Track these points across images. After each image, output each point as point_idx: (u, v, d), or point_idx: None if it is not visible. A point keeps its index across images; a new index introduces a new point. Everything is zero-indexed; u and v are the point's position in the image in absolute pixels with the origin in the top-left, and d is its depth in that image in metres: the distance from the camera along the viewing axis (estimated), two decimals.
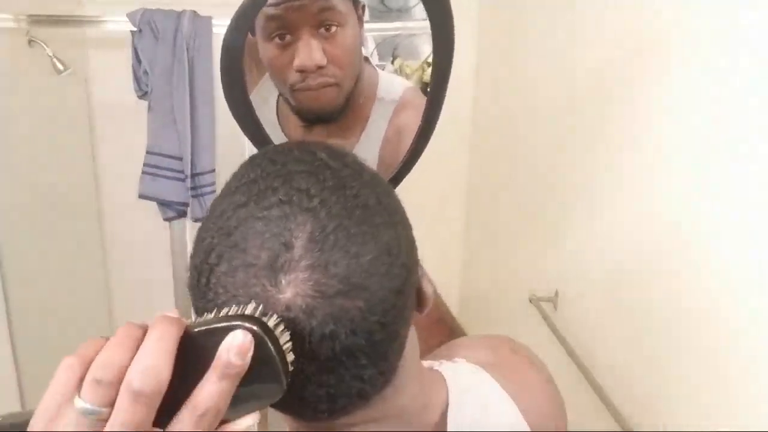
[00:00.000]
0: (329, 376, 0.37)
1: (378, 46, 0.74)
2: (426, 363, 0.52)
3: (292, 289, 0.35)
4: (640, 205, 0.96)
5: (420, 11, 0.72)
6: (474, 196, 1.94)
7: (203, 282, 0.37)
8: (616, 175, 1.04)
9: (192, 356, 0.32)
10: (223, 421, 0.33)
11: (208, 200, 1.51)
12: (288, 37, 0.68)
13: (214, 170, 1.52)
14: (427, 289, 0.45)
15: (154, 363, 0.31)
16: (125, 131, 1.64)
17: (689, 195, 0.84)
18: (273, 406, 0.39)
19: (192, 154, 1.47)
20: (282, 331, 0.34)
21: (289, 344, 0.34)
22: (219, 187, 1.65)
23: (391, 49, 0.76)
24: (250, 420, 0.34)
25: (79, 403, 0.31)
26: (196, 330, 0.33)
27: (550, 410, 0.54)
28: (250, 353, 0.32)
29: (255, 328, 0.32)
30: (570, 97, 1.22)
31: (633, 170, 0.98)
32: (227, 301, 0.36)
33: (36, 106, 1.58)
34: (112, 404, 0.31)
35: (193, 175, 1.48)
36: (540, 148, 1.38)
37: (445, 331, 0.70)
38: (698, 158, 0.82)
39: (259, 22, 0.68)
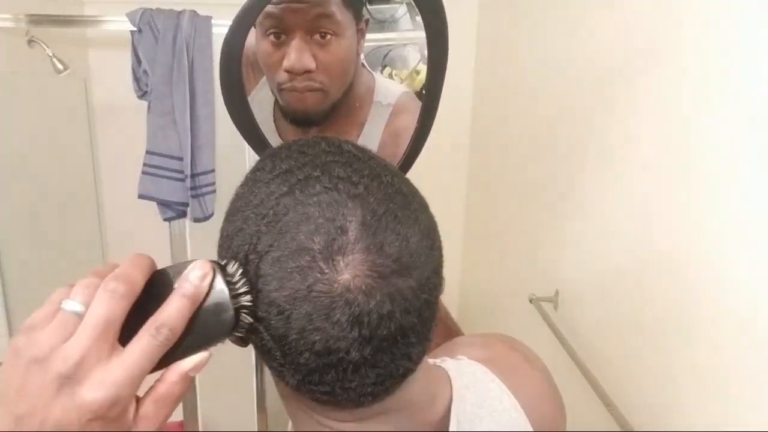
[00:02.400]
0: (383, 356, 0.38)
1: (367, 56, 0.76)
2: (428, 361, 0.53)
3: (351, 270, 0.36)
4: (640, 205, 0.96)
5: (406, 22, 0.74)
6: (474, 196, 1.94)
7: (250, 271, 0.38)
8: (616, 175, 1.04)
9: (157, 290, 0.36)
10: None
11: (208, 200, 1.51)
12: (283, 37, 0.69)
13: (213, 170, 1.52)
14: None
15: (128, 271, 0.36)
16: (125, 131, 1.64)
17: (690, 195, 0.84)
18: (312, 393, 0.40)
19: (192, 154, 1.47)
20: (240, 280, 0.37)
21: (246, 291, 0.37)
22: (219, 187, 1.65)
23: (380, 59, 0.78)
24: (199, 357, 0.37)
25: (67, 303, 0.35)
26: (165, 268, 0.38)
27: (549, 406, 0.55)
28: (209, 279, 0.36)
29: (215, 261, 0.37)
30: (570, 97, 1.22)
31: (633, 170, 0.98)
32: (280, 287, 0.37)
33: (36, 106, 1.57)
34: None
35: (193, 175, 1.48)
36: (540, 148, 1.38)
37: (444, 332, 0.71)
38: (699, 158, 0.82)
39: (259, 18, 0.69)
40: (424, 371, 0.47)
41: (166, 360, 0.36)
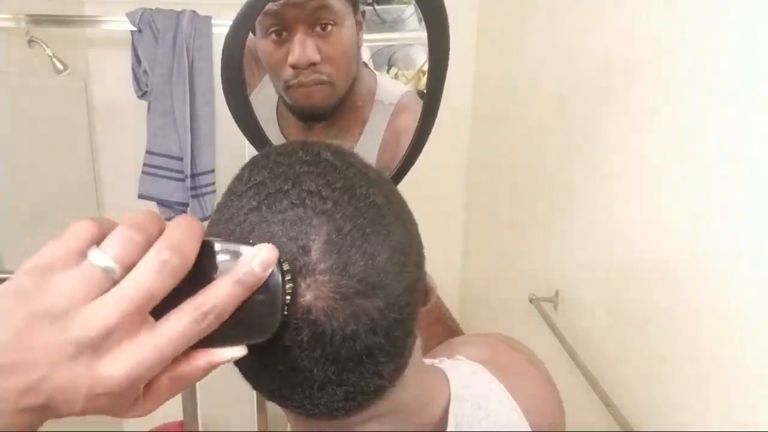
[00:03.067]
0: (350, 376, 0.37)
1: (374, 56, 0.76)
2: (427, 361, 0.53)
3: (312, 292, 0.35)
4: (640, 205, 0.96)
5: (413, 22, 0.73)
6: (474, 196, 1.94)
7: None
8: (616, 175, 1.04)
9: (200, 264, 0.32)
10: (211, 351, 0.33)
11: (208, 200, 1.51)
12: (284, 34, 0.69)
13: (213, 170, 1.52)
14: (430, 282, 0.45)
15: (184, 241, 0.31)
16: (125, 131, 1.64)
17: (690, 195, 0.84)
18: (285, 405, 0.40)
19: (192, 154, 1.47)
20: (288, 278, 0.34)
21: (291, 291, 0.34)
22: (219, 187, 1.65)
23: (386, 59, 0.78)
24: (237, 352, 0.34)
25: (97, 255, 0.30)
26: (213, 241, 0.33)
27: (548, 406, 0.55)
28: (270, 269, 0.32)
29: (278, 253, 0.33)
30: (570, 96, 1.22)
31: (634, 170, 0.98)
32: None
33: (36, 106, 1.57)
34: (130, 267, 0.30)
35: (193, 175, 1.48)
36: (540, 147, 1.38)
37: (443, 331, 0.71)
38: (700, 158, 0.82)
39: (259, 18, 0.69)
40: (420, 373, 0.47)
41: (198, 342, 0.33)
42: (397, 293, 0.37)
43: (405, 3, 0.74)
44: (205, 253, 0.33)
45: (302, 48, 0.68)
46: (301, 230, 0.35)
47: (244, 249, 0.33)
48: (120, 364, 0.30)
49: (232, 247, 0.33)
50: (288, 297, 0.34)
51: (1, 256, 1.44)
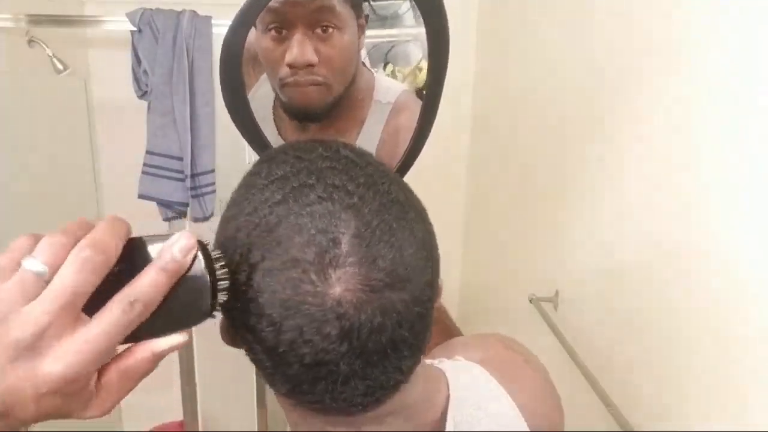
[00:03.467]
0: (374, 370, 0.37)
1: (369, 52, 0.76)
2: (426, 361, 0.53)
3: (342, 284, 0.35)
4: (640, 205, 0.96)
5: (410, 18, 0.73)
6: (474, 196, 1.94)
7: (241, 280, 0.37)
8: (616, 175, 1.04)
9: (130, 259, 0.34)
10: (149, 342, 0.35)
11: (208, 200, 1.51)
12: (284, 32, 0.69)
13: (213, 170, 1.52)
14: (439, 284, 0.45)
15: (105, 239, 0.33)
16: (125, 131, 1.64)
17: (690, 195, 0.84)
18: (302, 401, 0.40)
19: (192, 154, 1.47)
20: (220, 263, 0.36)
21: (225, 276, 0.36)
22: (219, 187, 1.65)
23: (382, 56, 0.77)
24: (177, 339, 0.35)
25: (29, 262, 0.32)
26: (143, 237, 0.35)
27: (547, 407, 0.55)
28: (192, 254, 0.34)
29: (198, 239, 0.35)
30: (570, 97, 1.22)
31: (633, 170, 0.98)
32: (271, 298, 0.36)
33: (36, 106, 1.57)
34: (58, 268, 0.32)
35: (193, 175, 1.48)
36: (540, 148, 1.38)
37: (442, 331, 0.71)
38: (699, 158, 0.82)
39: (260, 15, 0.69)
40: (421, 374, 0.47)
41: (136, 335, 0.34)
42: (421, 288, 0.38)
43: None
44: (137, 250, 0.35)
45: (300, 48, 0.68)
46: (331, 223, 0.36)
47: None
48: (57, 360, 0.31)
49: (159, 239, 0.35)
50: (225, 282, 0.35)
51: None
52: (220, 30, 1.44)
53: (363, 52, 0.76)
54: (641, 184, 0.96)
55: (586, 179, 1.14)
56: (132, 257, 0.34)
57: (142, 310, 0.33)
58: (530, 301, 1.32)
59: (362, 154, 0.42)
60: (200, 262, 0.35)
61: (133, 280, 0.33)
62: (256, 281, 0.36)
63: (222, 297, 0.36)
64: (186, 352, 1.68)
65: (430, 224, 0.42)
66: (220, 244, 0.40)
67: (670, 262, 0.87)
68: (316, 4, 0.68)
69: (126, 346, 0.35)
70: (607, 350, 1.07)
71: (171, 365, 1.73)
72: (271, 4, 0.67)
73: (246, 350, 0.40)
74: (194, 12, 1.44)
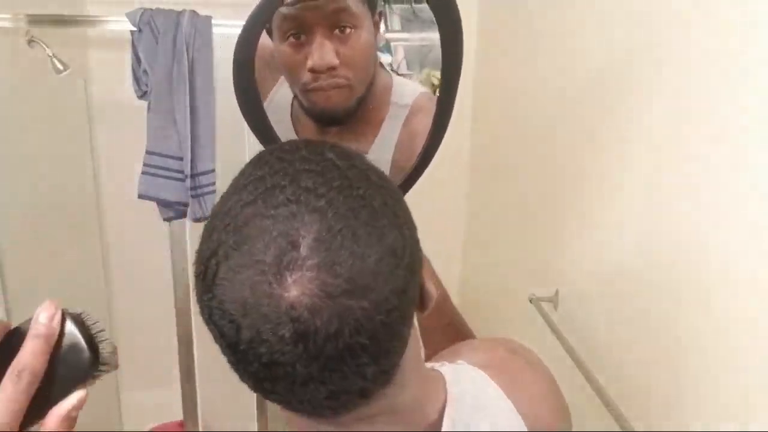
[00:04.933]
0: (332, 375, 0.37)
1: (407, 54, 0.76)
2: (429, 365, 0.53)
3: (298, 287, 0.35)
4: (640, 205, 0.96)
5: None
6: (474, 196, 1.94)
7: (210, 277, 0.38)
8: (616, 175, 1.04)
9: (13, 347, 0.37)
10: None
11: (208, 200, 1.51)
12: (303, 37, 0.69)
13: (214, 170, 1.51)
14: (431, 289, 0.45)
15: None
16: (125, 131, 1.63)
17: (690, 194, 0.84)
18: (270, 399, 0.41)
19: (192, 154, 1.47)
20: (95, 322, 0.40)
21: (103, 333, 0.39)
22: (219, 187, 1.65)
23: (420, 59, 0.77)
24: (74, 398, 0.38)
25: None
26: (16, 326, 0.39)
27: (549, 411, 0.54)
28: (58, 318, 0.38)
29: (64, 309, 0.39)
30: (570, 97, 1.22)
31: (633, 170, 0.98)
32: (232, 296, 0.37)
33: (36, 106, 1.57)
34: None
35: (193, 175, 1.48)
36: (540, 148, 1.38)
37: (456, 336, 0.71)
38: (700, 158, 0.82)
39: (275, 21, 0.70)
40: (418, 376, 0.47)
41: (40, 409, 0.37)
42: (385, 296, 0.37)
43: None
44: (17, 338, 0.38)
45: (321, 52, 0.68)
46: (292, 226, 0.36)
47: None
48: None
49: (29, 320, 0.39)
50: (103, 334, 0.39)
51: (1, 256, 1.44)
52: (220, 30, 1.44)
53: (399, 57, 0.76)
54: (641, 185, 0.96)
55: (586, 179, 1.14)
56: (14, 345, 0.37)
57: (31, 378, 0.36)
58: (530, 301, 1.31)
59: (349, 156, 0.41)
60: (69, 325, 0.38)
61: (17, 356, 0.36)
62: (220, 277, 0.37)
63: (106, 347, 0.39)
64: (186, 352, 1.68)
65: (409, 232, 0.41)
66: (200, 241, 0.41)
67: (670, 262, 0.87)
68: (332, 7, 0.68)
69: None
70: (607, 350, 1.07)
71: (171, 365, 1.74)
72: (288, 11, 0.68)
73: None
74: (194, 12, 1.44)
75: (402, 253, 0.39)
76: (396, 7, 0.75)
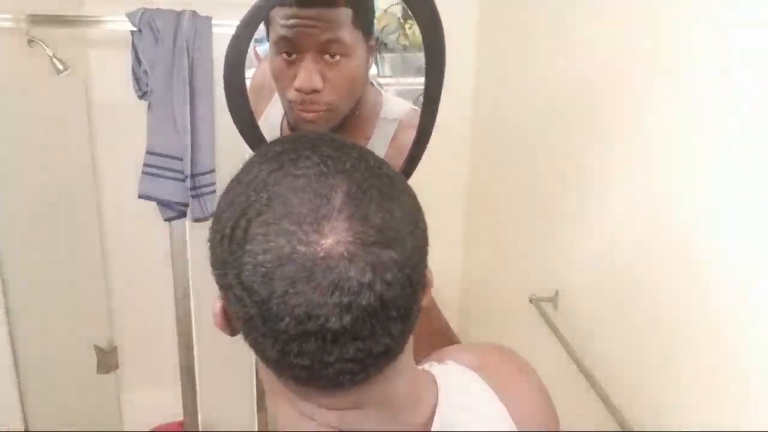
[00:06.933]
0: (363, 328, 0.38)
1: (390, 60, 0.81)
2: (417, 367, 0.53)
3: (334, 236, 0.37)
4: (640, 205, 0.96)
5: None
6: (474, 196, 1.94)
7: (239, 235, 0.39)
8: (616, 176, 1.04)
9: None
10: None
11: (208, 200, 1.51)
12: (294, 56, 0.74)
13: (214, 170, 1.52)
14: (429, 276, 0.46)
15: None
16: (125, 131, 1.64)
17: (690, 194, 0.84)
18: (292, 368, 0.40)
19: (192, 154, 1.47)
20: None
21: None
22: (219, 187, 1.65)
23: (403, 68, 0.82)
24: None
25: None
26: None
27: (538, 413, 0.55)
28: None
29: None
30: (570, 97, 1.22)
31: (633, 170, 0.98)
32: (266, 247, 0.37)
33: (36, 106, 1.57)
34: None
35: (193, 175, 1.48)
36: (540, 148, 1.38)
37: (442, 343, 0.71)
38: (700, 158, 0.82)
39: (273, 37, 0.74)
40: (410, 370, 0.47)
41: None
42: (410, 250, 0.39)
43: None
44: None
45: (307, 74, 0.72)
46: (325, 183, 0.38)
47: None
48: None
49: None
50: None
51: (1, 256, 1.44)
52: (220, 30, 1.44)
53: (373, 69, 0.80)
54: (641, 184, 0.96)
55: (587, 179, 1.14)
56: None
57: None
58: (530, 301, 1.32)
59: (352, 143, 0.44)
60: None
61: None
62: (251, 233, 0.38)
63: None
64: (186, 352, 1.68)
65: (417, 201, 0.44)
66: (219, 213, 0.42)
67: (670, 262, 0.87)
68: (326, 36, 0.72)
69: None
70: (606, 350, 1.07)
71: (171, 365, 1.74)
72: (284, 33, 0.72)
73: (237, 316, 0.41)
74: (194, 12, 1.44)
75: (417, 216, 0.42)
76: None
